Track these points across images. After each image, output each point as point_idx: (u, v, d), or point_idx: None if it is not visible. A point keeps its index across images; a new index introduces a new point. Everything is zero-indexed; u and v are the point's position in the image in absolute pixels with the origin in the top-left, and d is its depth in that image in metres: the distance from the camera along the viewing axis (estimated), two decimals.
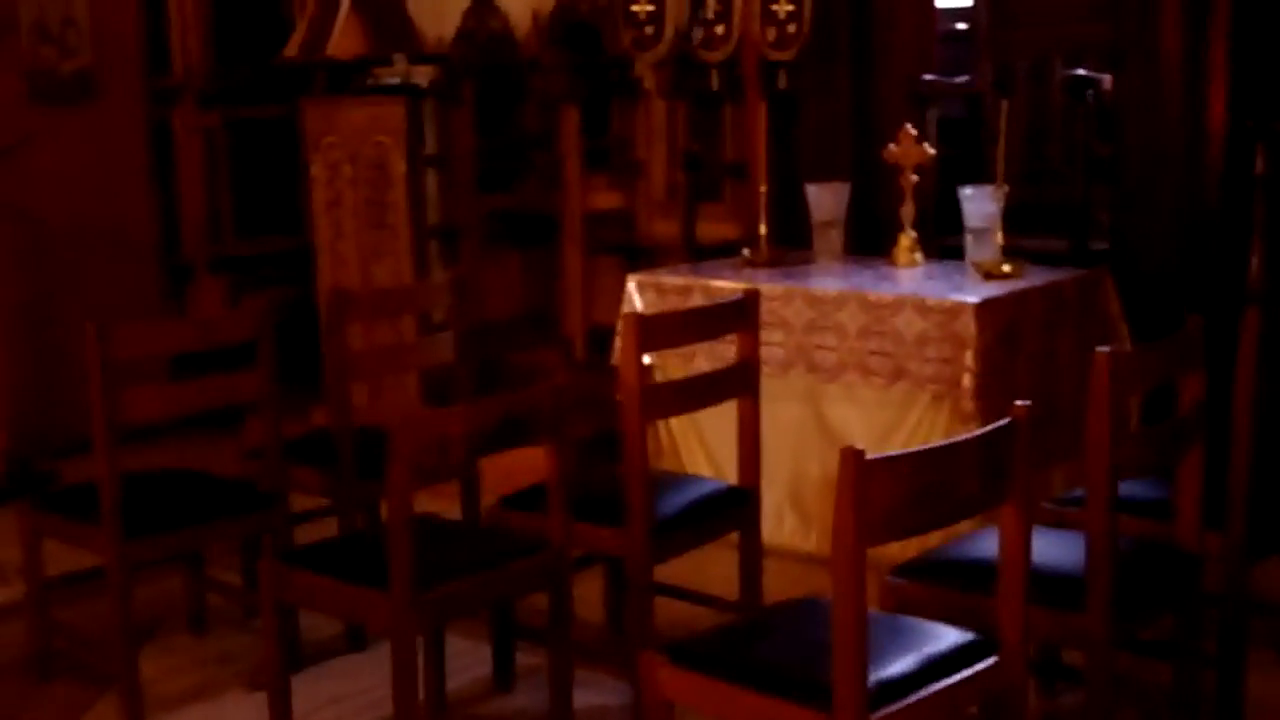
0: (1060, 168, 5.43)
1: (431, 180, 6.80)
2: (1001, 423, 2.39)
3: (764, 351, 4.41)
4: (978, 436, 2.36)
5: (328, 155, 5.59)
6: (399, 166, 5.55)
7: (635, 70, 5.86)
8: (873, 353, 4.26)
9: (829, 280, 4.52)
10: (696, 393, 3.44)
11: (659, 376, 4.53)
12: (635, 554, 3.23)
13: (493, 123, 6.73)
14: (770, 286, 4.47)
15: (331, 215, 5.63)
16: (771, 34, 5.45)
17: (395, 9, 5.54)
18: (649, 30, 5.52)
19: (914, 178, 4.79)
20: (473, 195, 6.45)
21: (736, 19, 5.47)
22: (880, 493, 2.18)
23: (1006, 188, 4.59)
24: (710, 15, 5.49)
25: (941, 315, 4.12)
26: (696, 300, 4.63)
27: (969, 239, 4.64)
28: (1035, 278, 4.41)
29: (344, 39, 5.32)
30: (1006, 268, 4.44)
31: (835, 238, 4.96)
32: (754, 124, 5.52)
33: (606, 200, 6.49)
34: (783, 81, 5.45)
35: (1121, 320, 4.57)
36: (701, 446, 4.70)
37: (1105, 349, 2.67)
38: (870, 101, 5.53)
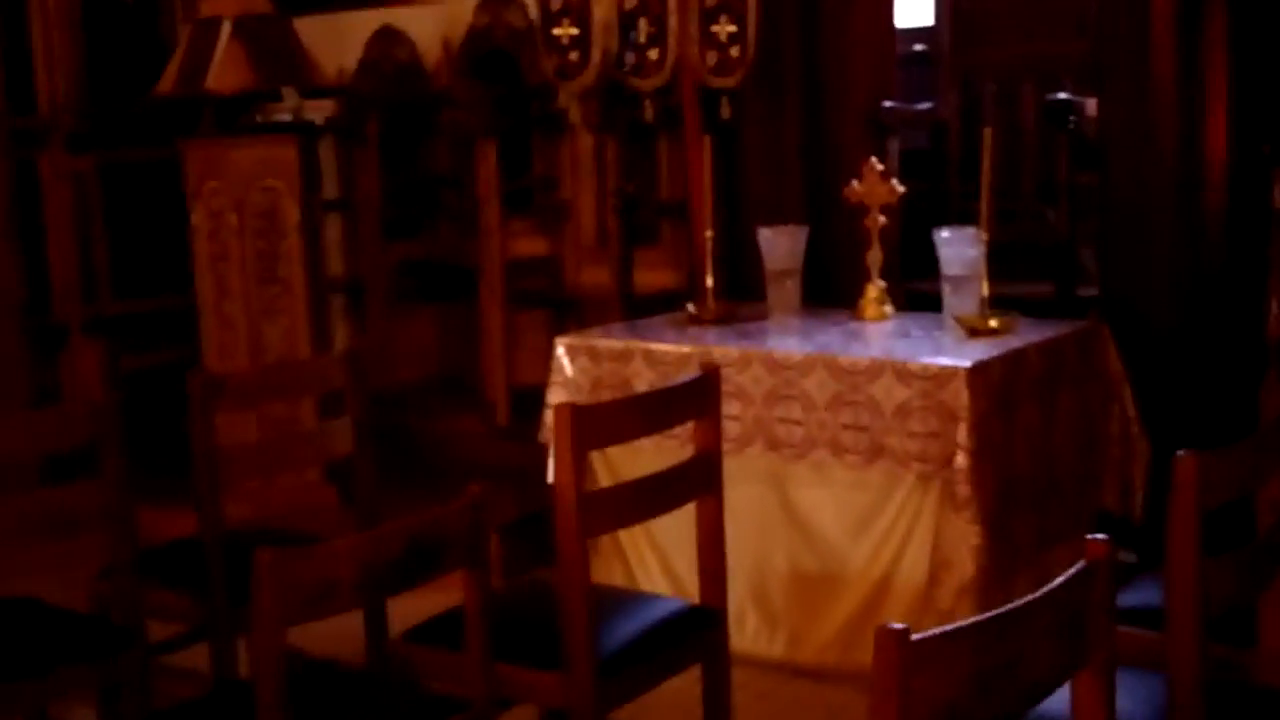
0: (1036, 203, 4.88)
1: (333, 228, 6.15)
2: (1077, 568, 1.78)
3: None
4: (1050, 593, 1.74)
5: (211, 202, 4.92)
6: (292, 214, 4.89)
7: (559, 101, 5.24)
8: (846, 426, 3.65)
9: (790, 340, 3.91)
10: (648, 498, 2.79)
11: (595, 465, 3.89)
12: (578, 704, 2.58)
13: (401, 162, 6.08)
14: (722, 349, 3.85)
15: (217, 270, 4.95)
16: (712, 59, 4.85)
17: (284, 37, 4.88)
18: (573, 56, 4.90)
19: (881, 219, 4.20)
20: (379, 244, 5.79)
21: (672, 42, 4.87)
22: (930, 683, 1.56)
23: (989, 229, 4.01)
24: (642, 39, 4.88)
25: (927, 382, 3.52)
26: (637, 367, 4.00)
27: (947, 288, 4.05)
28: (1028, 333, 3.82)
29: (225, 72, 4.65)
30: (994, 322, 3.85)
31: (792, 289, 4.35)
32: (695, 160, 4.90)
33: (530, 247, 5.85)
34: (726, 111, 4.85)
35: (1124, 380, 3.99)
36: (653, 551, 4.04)
37: (1187, 454, 2.06)
38: (825, 133, 4.94)
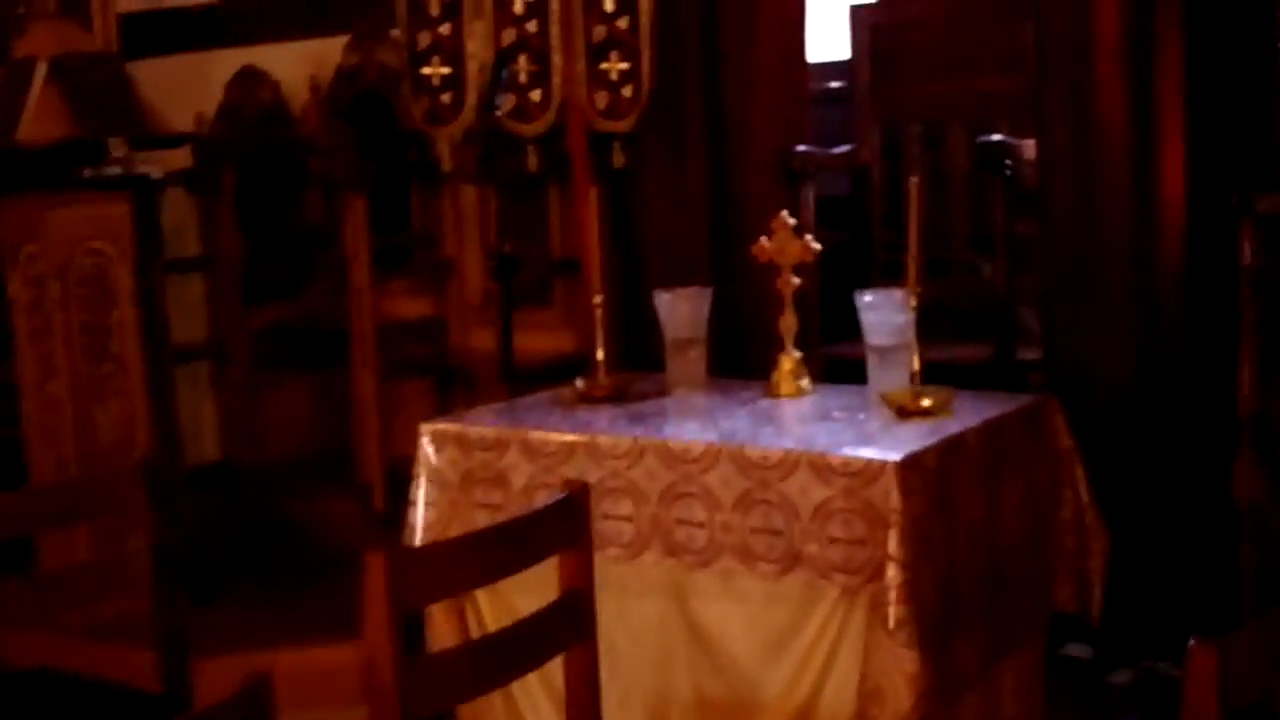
0: (969, 254, 4.37)
1: (195, 290, 5.55)
2: None
3: (607, 527, 3.26)
4: None
5: (29, 269, 4.29)
6: (124, 280, 4.27)
7: (436, 149, 4.68)
8: (756, 530, 3.08)
9: (690, 425, 3.34)
10: (498, 661, 2.20)
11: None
12: None
13: (269, 216, 5.49)
14: (611, 437, 3.27)
15: (40, 347, 4.32)
16: (602, 100, 4.32)
17: (113, 80, 4.27)
18: (445, 99, 4.35)
19: (795, 280, 3.65)
20: (239, 307, 5.18)
21: (556, 82, 4.33)
22: None
23: (918, 290, 3.47)
24: (523, 78, 4.33)
25: (850, 479, 2.96)
26: (512, 459, 3.41)
27: (872, 360, 3.51)
28: (967, 412, 3.28)
29: (40, 120, 4.03)
30: (927, 401, 3.30)
31: (696, 360, 3.78)
32: (584, 213, 4.34)
33: (410, 308, 5.28)
34: (619, 158, 4.31)
35: (1076, 459, 3.46)
36: (542, 681, 3.45)
37: (1206, 642, 1.51)
38: (732, 181, 4.41)
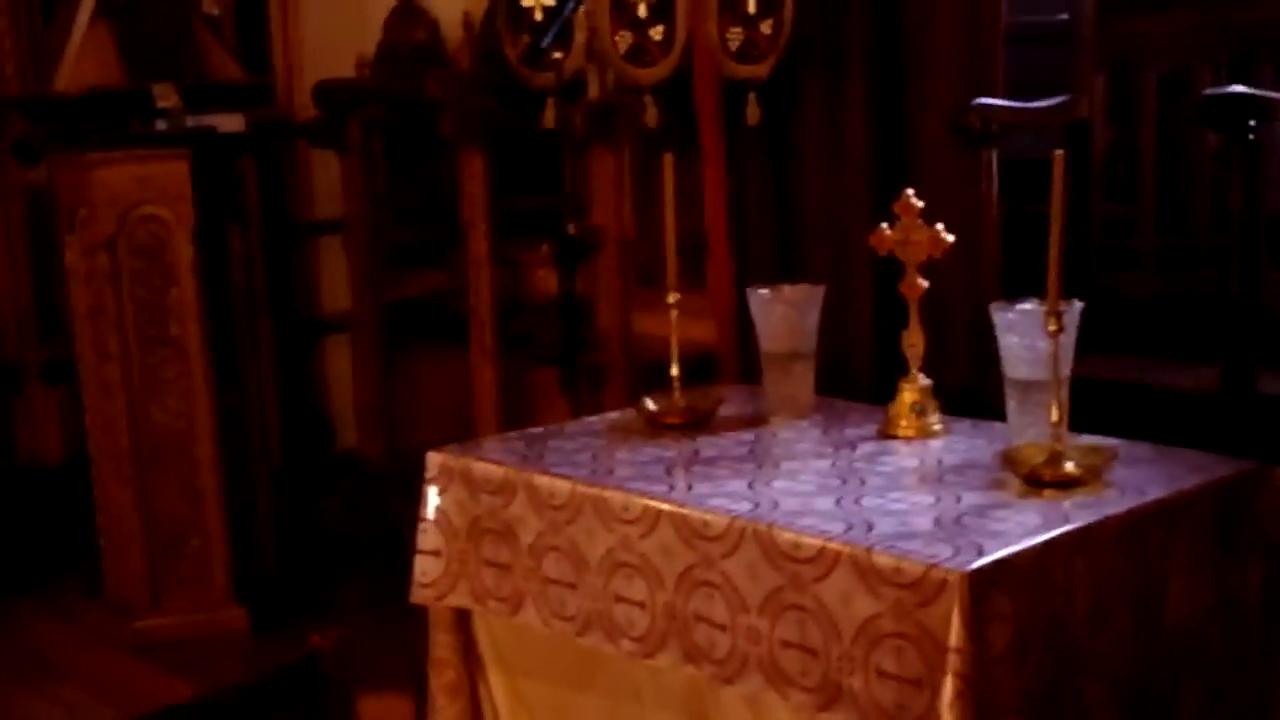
0: (1211, 243, 3.27)
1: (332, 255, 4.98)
2: None
3: (619, 612, 2.47)
4: None
5: (85, 236, 3.76)
6: (184, 252, 3.68)
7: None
8: (788, 644, 2.20)
9: (733, 484, 2.47)
10: None
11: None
12: None
13: (416, 175, 4.86)
14: (625, 496, 2.44)
15: (95, 324, 3.79)
16: (736, 39, 3.43)
17: (175, 24, 3.66)
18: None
19: (921, 283, 2.71)
20: (364, 277, 4.56)
21: (681, 16, 3.47)
22: None
23: (1079, 305, 2.48)
24: (642, 10, 3.50)
25: (902, 591, 2.04)
26: (519, 508, 2.63)
27: (1011, 399, 2.54)
28: (1130, 486, 2.29)
29: (83, 66, 3.47)
30: (1070, 466, 2.33)
31: (799, 379, 2.89)
32: (713, 179, 3.49)
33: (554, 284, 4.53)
34: (754, 113, 3.43)
35: None
36: None
37: None
38: (901, 143, 3.44)
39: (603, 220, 4.21)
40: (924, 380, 2.74)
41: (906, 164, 3.44)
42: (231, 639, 3.81)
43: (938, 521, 2.18)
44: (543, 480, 2.59)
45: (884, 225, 2.73)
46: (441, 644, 2.83)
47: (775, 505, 2.31)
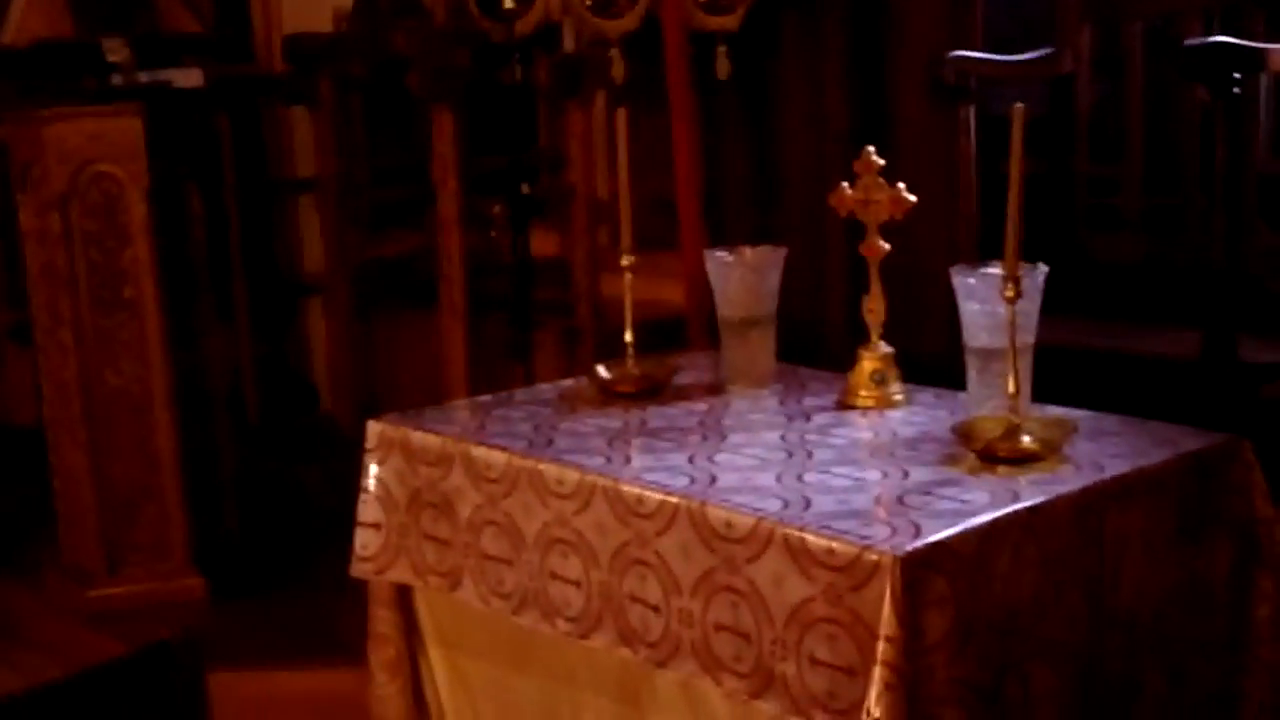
0: (1198, 203, 3.12)
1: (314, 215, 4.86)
2: None
3: (554, 591, 2.36)
4: None
5: (38, 195, 3.65)
6: (136, 210, 3.57)
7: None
8: (721, 627, 2.08)
9: (672, 457, 2.34)
10: None
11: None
12: None
13: (394, 133, 4.73)
14: (559, 469, 2.32)
15: (48, 286, 3.68)
16: None
17: None
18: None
19: (882, 245, 2.57)
20: (335, 237, 4.44)
21: None
22: None
23: (1043, 270, 2.34)
24: None
25: (834, 575, 1.92)
26: (456, 480, 2.51)
27: (972, 370, 2.41)
28: (1088, 461, 2.16)
29: (30, 17, 3.35)
30: (1027, 440, 2.20)
31: (757, 345, 2.76)
32: (682, 136, 3.35)
33: (537, 245, 4.41)
34: (724, 66, 3.29)
35: (1276, 539, 2.28)
36: None
37: None
38: (880, 96, 3.30)
39: (574, 178, 4.08)
40: (884, 348, 2.60)
41: (884, 123, 3.30)
42: (189, 609, 3.72)
43: (879, 500, 2.05)
44: (479, 452, 2.47)
45: (844, 184, 2.59)
46: (381, 619, 2.72)
47: (713, 481, 2.18)
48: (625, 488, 2.21)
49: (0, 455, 4.46)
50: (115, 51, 3.48)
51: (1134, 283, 3.16)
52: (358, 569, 2.70)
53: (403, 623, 2.73)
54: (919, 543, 1.88)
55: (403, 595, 2.72)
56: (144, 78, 3.56)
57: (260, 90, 4.57)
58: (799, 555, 1.95)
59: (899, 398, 2.59)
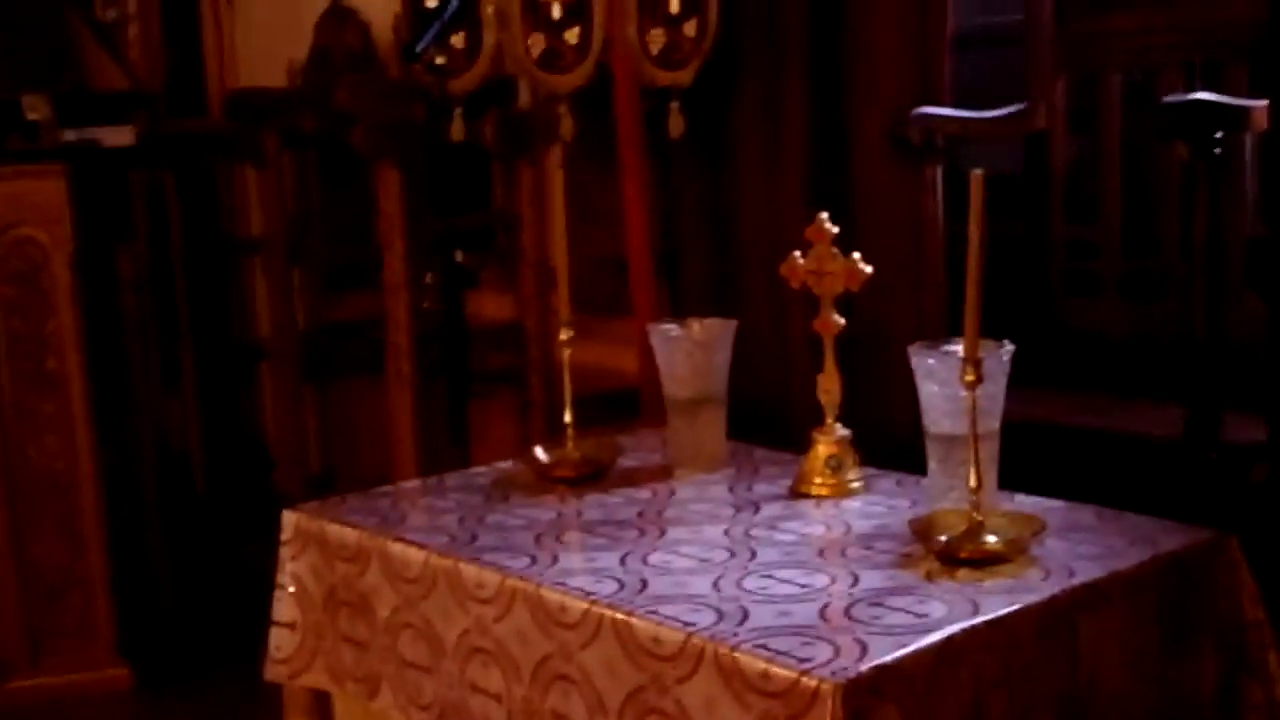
0: (1181, 270, 2.93)
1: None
2: None
3: (475, 705, 2.14)
4: None
5: None
6: (61, 276, 3.37)
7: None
8: None
9: (625, 550, 2.14)
10: None
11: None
12: None
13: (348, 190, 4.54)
14: (478, 570, 2.11)
15: None
16: (658, 40, 3.12)
17: (50, 25, 3.34)
18: (455, 41, 3.23)
19: (837, 320, 2.38)
20: (282, 299, 4.24)
21: (598, 18, 3.15)
22: None
23: (1010, 348, 2.14)
24: (556, 11, 3.18)
25: (770, 701, 1.71)
26: (373, 579, 2.31)
27: (933, 457, 2.20)
28: (1060, 564, 1.95)
29: None
30: (992, 540, 1.99)
31: (706, 427, 2.55)
32: (633, 197, 3.16)
33: (491, 307, 4.22)
34: (676, 124, 3.11)
35: (1270, 642, 2.06)
36: None
37: None
38: (844, 155, 3.11)
39: (525, 240, 3.89)
40: (840, 431, 2.40)
41: (848, 181, 3.12)
42: (113, 702, 3.50)
43: (824, 612, 1.84)
44: (396, 548, 2.26)
45: (796, 254, 2.40)
46: None
47: (643, 587, 1.97)
48: (547, 593, 2.00)
49: None
50: (35, 109, 3.29)
51: (1114, 353, 2.97)
52: (272, 672, 2.49)
53: None
54: (865, 665, 1.67)
55: (320, 702, 2.51)
56: (70, 136, 3.38)
57: (203, 147, 4.38)
58: (731, 678, 1.74)
59: (856, 485, 2.38)
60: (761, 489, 2.43)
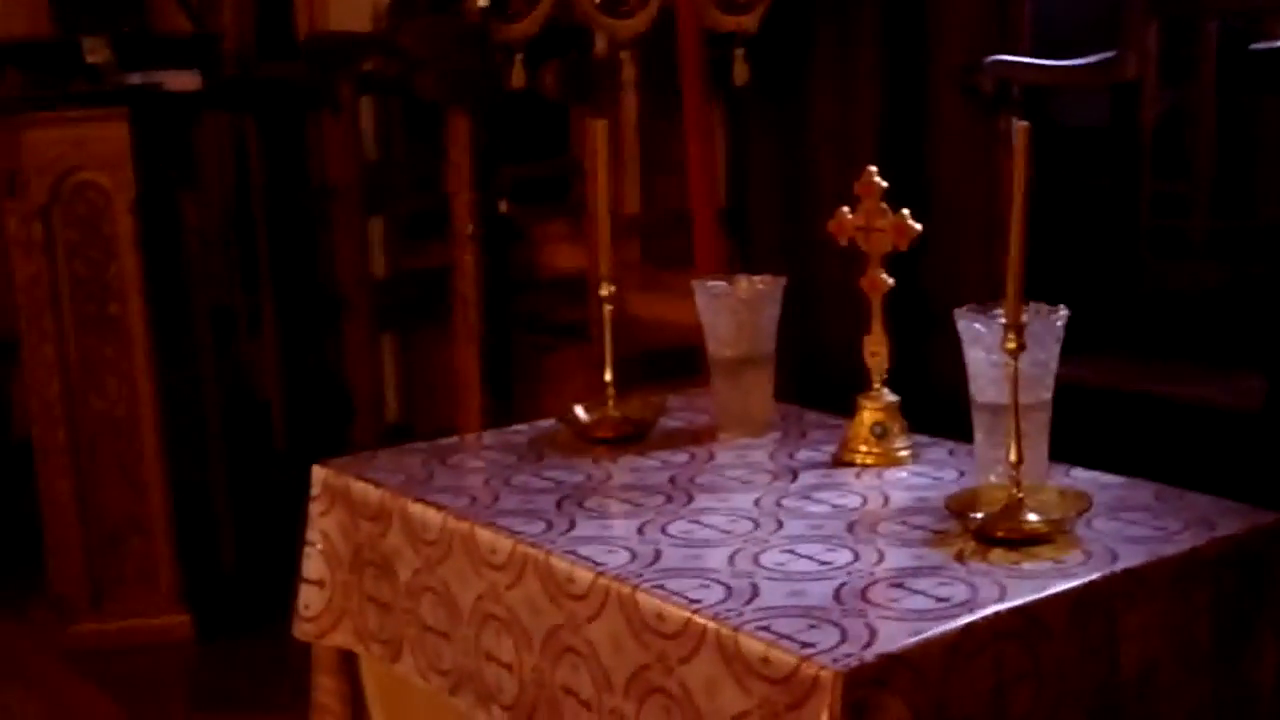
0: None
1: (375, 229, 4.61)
2: None
3: (489, 673, 2.07)
4: None
5: (22, 203, 3.43)
6: (123, 221, 3.34)
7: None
8: None
9: (619, 524, 2.03)
10: None
11: None
12: None
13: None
14: (493, 535, 2.03)
15: (34, 299, 3.47)
16: None
17: None
18: None
19: (885, 279, 2.24)
20: (354, 247, 4.18)
21: None
22: None
23: (1064, 313, 1.99)
24: None
25: (771, 687, 1.60)
26: (395, 540, 2.24)
27: (979, 432, 2.06)
28: (1103, 546, 1.81)
29: (9, 12, 3.13)
30: (1033, 518, 1.85)
31: (752, 388, 2.44)
32: (697, 152, 3.03)
33: (563, 258, 4.12)
34: (741, 71, 2.97)
35: None
36: None
37: None
38: (920, 103, 2.95)
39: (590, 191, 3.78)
40: (888, 396, 2.27)
41: (922, 132, 2.96)
42: (173, 649, 3.49)
43: (839, 592, 1.72)
44: (417, 509, 2.18)
45: (844, 209, 2.26)
46: (323, 689, 2.45)
47: (657, 558, 1.87)
48: (556, 562, 1.91)
49: (3, 470, 4.27)
50: (95, 51, 3.26)
51: (1202, 317, 2.78)
52: (300, 630, 2.43)
53: (347, 693, 2.46)
54: (870, 653, 1.55)
55: (347, 661, 2.45)
56: (135, 79, 3.35)
57: (285, 93, 4.33)
58: (732, 660, 1.63)
59: (903, 454, 2.25)
60: (805, 455, 2.31)
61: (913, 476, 2.18)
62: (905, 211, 2.19)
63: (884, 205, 2.21)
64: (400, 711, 2.39)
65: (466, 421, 3.74)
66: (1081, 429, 2.44)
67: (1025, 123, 1.81)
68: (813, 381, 3.03)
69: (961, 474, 2.16)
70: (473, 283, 3.68)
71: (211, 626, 3.56)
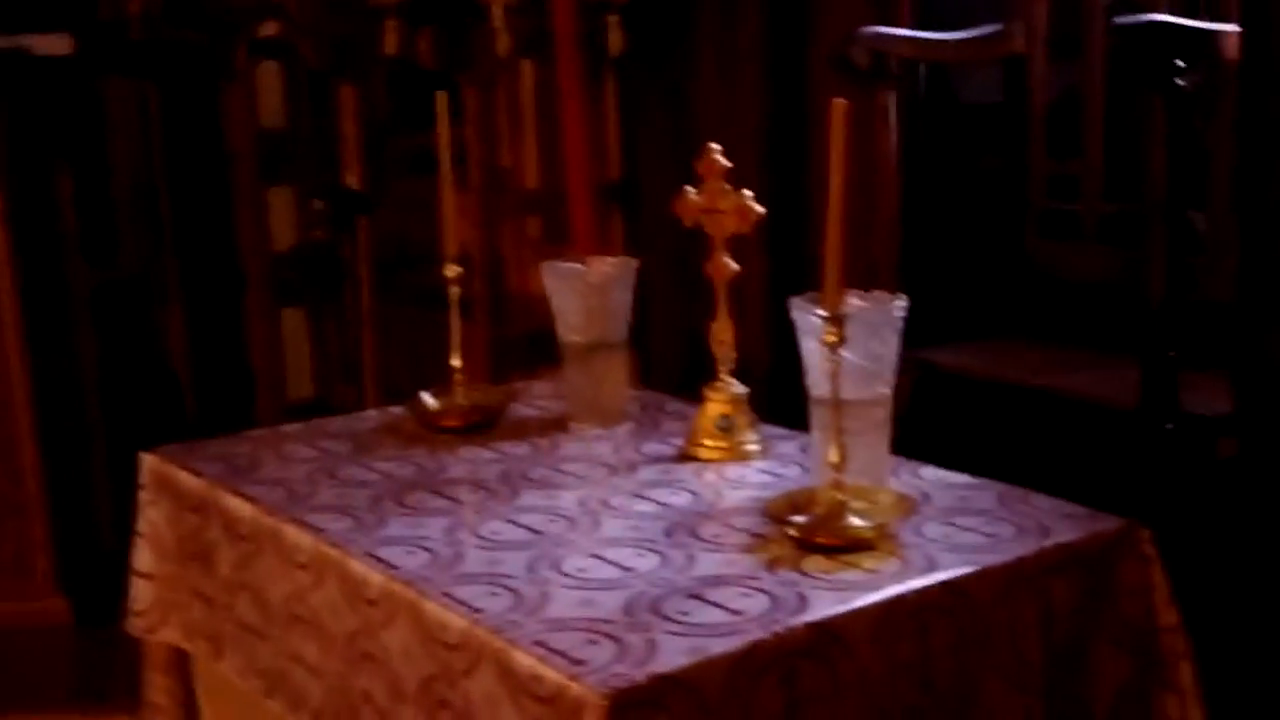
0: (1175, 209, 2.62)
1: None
2: None
3: (295, 676, 1.96)
4: None
5: None
6: None
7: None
8: None
9: (460, 516, 1.93)
10: None
11: None
12: None
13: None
14: (297, 533, 1.92)
15: None
16: None
17: None
18: None
19: (729, 264, 2.13)
20: (252, 219, 4.05)
21: None
22: None
23: (903, 303, 1.88)
24: None
25: (543, 707, 1.50)
26: (215, 533, 2.13)
27: (815, 429, 1.95)
28: (911, 562, 1.70)
29: None
30: (856, 523, 1.75)
31: (602, 374, 2.33)
32: (572, 123, 2.92)
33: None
34: (616, 39, 2.86)
35: (1182, 649, 1.80)
36: None
37: None
38: (801, 78, 2.84)
39: (513, 160, 3.66)
40: (735, 387, 2.17)
41: (802, 111, 2.85)
42: (50, 634, 3.39)
43: (629, 604, 1.62)
44: (233, 502, 2.07)
45: (689, 189, 2.15)
46: (155, 686, 2.35)
47: (456, 561, 1.77)
48: (353, 565, 1.80)
49: None
50: None
51: (1087, 303, 2.68)
52: (130, 625, 2.33)
53: (180, 690, 2.36)
54: (644, 673, 1.45)
55: (180, 659, 2.35)
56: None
57: (181, 59, 4.18)
58: (507, 676, 1.53)
59: (751, 448, 2.15)
60: (651, 448, 2.21)
61: (755, 474, 2.07)
62: (747, 193, 2.08)
63: (727, 186, 2.10)
64: (227, 712, 2.29)
65: (369, 400, 3.65)
66: (960, 421, 2.35)
67: (843, 100, 1.71)
68: (703, 365, 2.94)
69: (807, 472, 2.06)
70: (365, 258, 3.58)
71: (91, 612, 3.46)
